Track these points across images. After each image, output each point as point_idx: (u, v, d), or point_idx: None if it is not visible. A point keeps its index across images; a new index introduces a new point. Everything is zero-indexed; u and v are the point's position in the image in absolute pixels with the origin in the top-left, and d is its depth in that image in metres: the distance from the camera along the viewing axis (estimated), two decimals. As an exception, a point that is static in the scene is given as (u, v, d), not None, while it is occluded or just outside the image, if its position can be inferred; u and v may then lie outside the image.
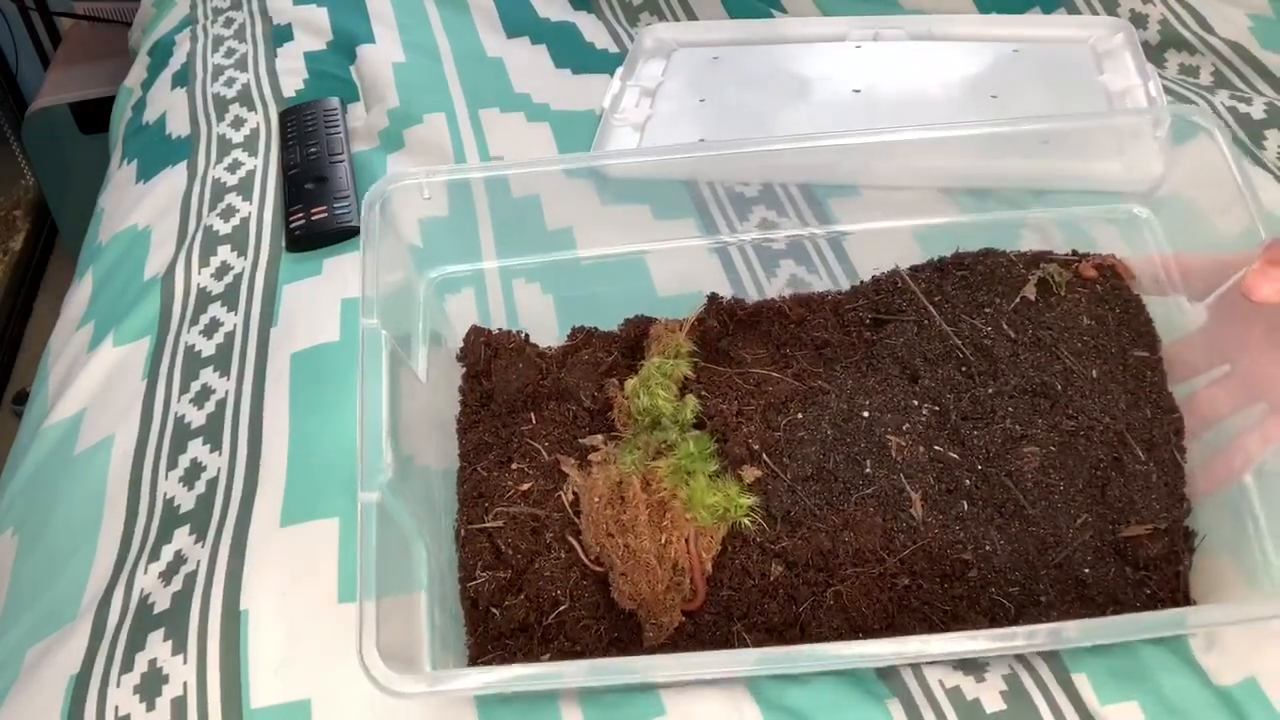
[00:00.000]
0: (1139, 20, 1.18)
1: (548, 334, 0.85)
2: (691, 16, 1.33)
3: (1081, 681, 0.63)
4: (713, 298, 0.81)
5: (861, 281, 0.81)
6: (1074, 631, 0.57)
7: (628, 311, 0.83)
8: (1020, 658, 0.65)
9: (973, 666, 0.64)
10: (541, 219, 0.95)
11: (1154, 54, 1.15)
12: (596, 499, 0.68)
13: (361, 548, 0.59)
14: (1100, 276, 0.75)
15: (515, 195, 0.96)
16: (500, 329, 0.83)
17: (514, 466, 0.72)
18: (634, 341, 0.80)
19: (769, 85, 1.15)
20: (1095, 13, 1.21)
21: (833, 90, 1.13)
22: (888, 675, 0.64)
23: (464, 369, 0.81)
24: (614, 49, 1.28)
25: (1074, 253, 0.77)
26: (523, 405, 0.77)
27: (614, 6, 1.37)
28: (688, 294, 0.84)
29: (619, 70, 1.19)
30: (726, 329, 0.80)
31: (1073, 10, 1.22)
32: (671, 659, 0.57)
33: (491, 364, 0.79)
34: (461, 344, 0.82)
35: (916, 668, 0.64)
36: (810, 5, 1.31)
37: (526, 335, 0.83)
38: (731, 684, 0.64)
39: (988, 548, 0.66)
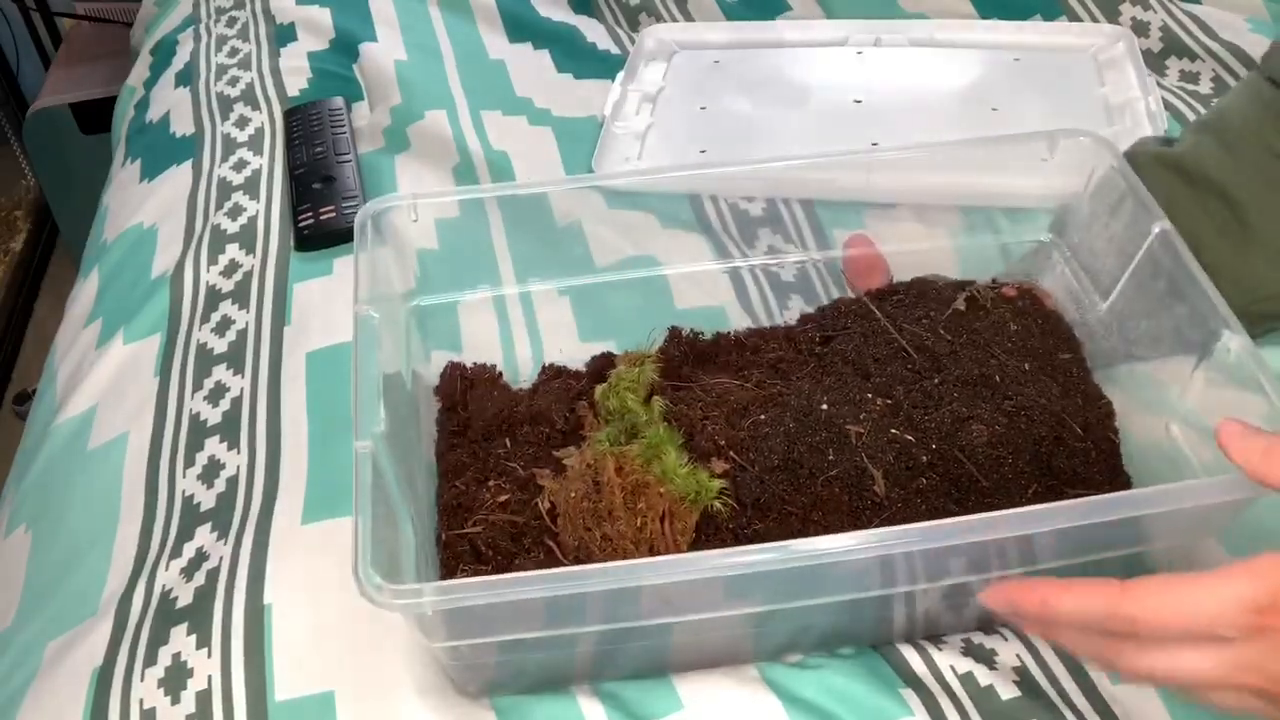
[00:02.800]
0: (1140, 28, 1.19)
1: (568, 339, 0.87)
2: (689, 19, 1.33)
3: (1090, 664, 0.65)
4: (673, 330, 0.84)
5: (806, 312, 0.86)
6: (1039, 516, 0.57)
7: (646, 325, 0.84)
8: (1027, 644, 0.67)
9: (983, 654, 0.66)
10: (551, 222, 0.97)
11: (1155, 60, 1.16)
12: (572, 494, 0.69)
13: (356, 490, 0.60)
14: (1020, 296, 0.81)
15: (520, 207, 0.97)
16: (476, 363, 0.85)
17: (491, 483, 0.74)
18: (600, 373, 0.82)
19: (769, 93, 1.16)
20: (1096, 20, 1.21)
21: (833, 100, 1.13)
22: (900, 665, 0.66)
23: (440, 402, 0.83)
24: (615, 50, 1.29)
25: (994, 281, 0.83)
26: (498, 431, 0.79)
27: (614, 8, 1.38)
28: (705, 306, 0.88)
29: (620, 75, 1.20)
30: (688, 359, 0.83)
31: (1074, 17, 1.22)
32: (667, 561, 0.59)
33: (467, 395, 0.82)
34: (439, 379, 0.84)
35: (928, 657, 0.66)
36: (814, 7, 1.32)
37: (501, 371, 0.85)
38: (748, 676, 0.65)
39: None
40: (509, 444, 0.77)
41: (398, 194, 0.76)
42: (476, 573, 0.68)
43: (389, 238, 0.77)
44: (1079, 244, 0.81)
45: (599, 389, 0.76)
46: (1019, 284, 0.82)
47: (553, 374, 0.85)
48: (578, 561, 0.68)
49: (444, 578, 0.69)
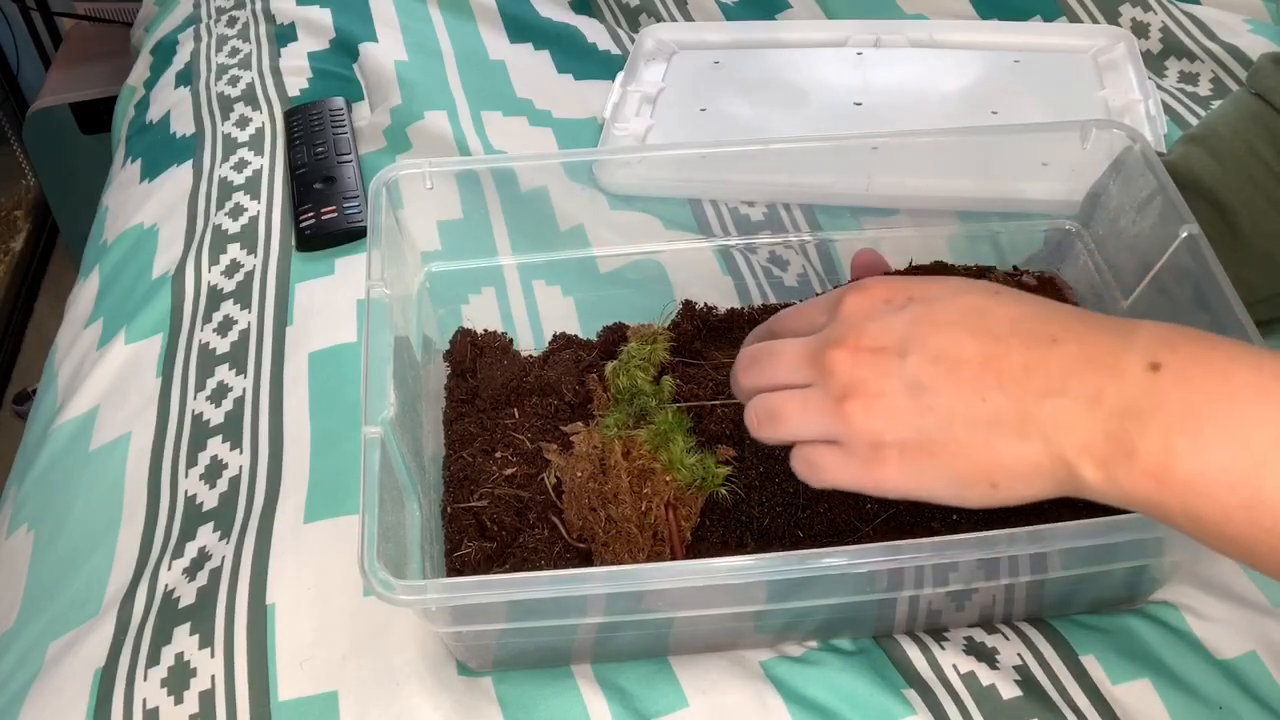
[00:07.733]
0: (1140, 29, 1.19)
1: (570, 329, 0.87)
2: (689, 20, 1.33)
3: (1091, 663, 0.66)
4: (687, 304, 0.84)
5: (820, 291, 0.86)
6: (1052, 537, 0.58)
7: (645, 314, 0.84)
8: (1028, 644, 0.67)
9: (985, 654, 0.66)
10: (554, 223, 0.97)
11: (1155, 61, 1.17)
12: (579, 474, 0.70)
13: (365, 476, 0.60)
14: (1040, 287, 0.80)
15: (523, 194, 0.97)
16: (486, 330, 0.85)
17: (498, 455, 0.74)
18: (611, 346, 0.83)
19: (769, 95, 1.16)
20: (1096, 21, 1.21)
21: (833, 102, 1.13)
22: (902, 663, 0.66)
23: (449, 368, 0.83)
24: (615, 50, 1.29)
25: (1015, 269, 0.82)
26: (506, 400, 0.79)
27: (614, 8, 1.38)
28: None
29: (620, 75, 1.20)
30: (700, 333, 0.83)
31: (1074, 18, 1.22)
32: (682, 565, 0.60)
33: (477, 362, 0.82)
34: (449, 345, 0.84)
35: (930, 656, 0.66)
36: (814, 7, 1.32)
37: (512, 339, 0.85)
38: (753, 673, 0.66)
39: (955, 518, 0.68)
40: (517, 414, 0.78)
41: (411, 160, 0.77)
42: (480, 549, 0.69)
43: (403, 204, 0.78)
44: (1104, 237, 0.79)
45: (610, 366, 0.76)
46: (1040, 274, 0.81)
47: (563, 343, 0.85)
48: (581, 540, 0.69)
49: (449, 552, 0.70)
